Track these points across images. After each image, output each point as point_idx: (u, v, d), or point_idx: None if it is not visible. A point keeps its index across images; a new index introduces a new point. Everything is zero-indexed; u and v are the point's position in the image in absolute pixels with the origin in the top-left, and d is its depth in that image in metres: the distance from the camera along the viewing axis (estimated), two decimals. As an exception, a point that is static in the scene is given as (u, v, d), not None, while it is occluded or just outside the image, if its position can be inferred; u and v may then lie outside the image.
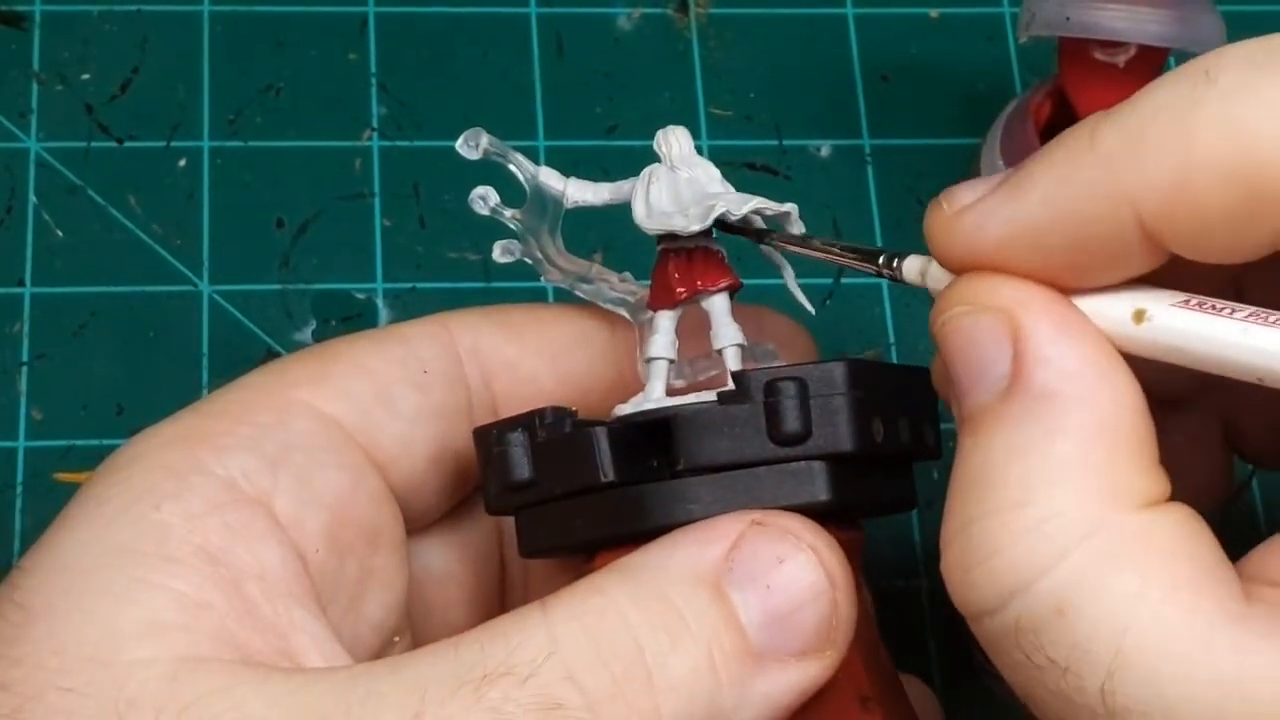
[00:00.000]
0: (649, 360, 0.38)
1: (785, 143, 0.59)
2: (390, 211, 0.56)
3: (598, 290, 0.40)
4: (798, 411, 0.35)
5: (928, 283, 0.36)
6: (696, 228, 0.38)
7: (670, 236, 0.39)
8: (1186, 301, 0.33)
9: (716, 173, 0.39)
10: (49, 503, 0.51)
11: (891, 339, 0.56)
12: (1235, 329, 0.32)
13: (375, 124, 0.58)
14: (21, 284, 0.54)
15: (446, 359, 0.40)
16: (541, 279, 0.41)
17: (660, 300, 0.39)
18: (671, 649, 0.33)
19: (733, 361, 0.37)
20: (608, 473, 0.35)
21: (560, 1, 0.60)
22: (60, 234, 0.55)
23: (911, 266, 0.36)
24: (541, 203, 0.40)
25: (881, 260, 0.37)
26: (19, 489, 0.52)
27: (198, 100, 0.58)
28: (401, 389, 0.39)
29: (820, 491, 0.35)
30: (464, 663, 0.33)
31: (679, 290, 0.38)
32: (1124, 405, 0.33)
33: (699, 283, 0.38)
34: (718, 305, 0.38)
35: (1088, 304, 0.34)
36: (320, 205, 0.56)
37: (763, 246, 0.40)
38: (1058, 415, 0.32)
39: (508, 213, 0.40)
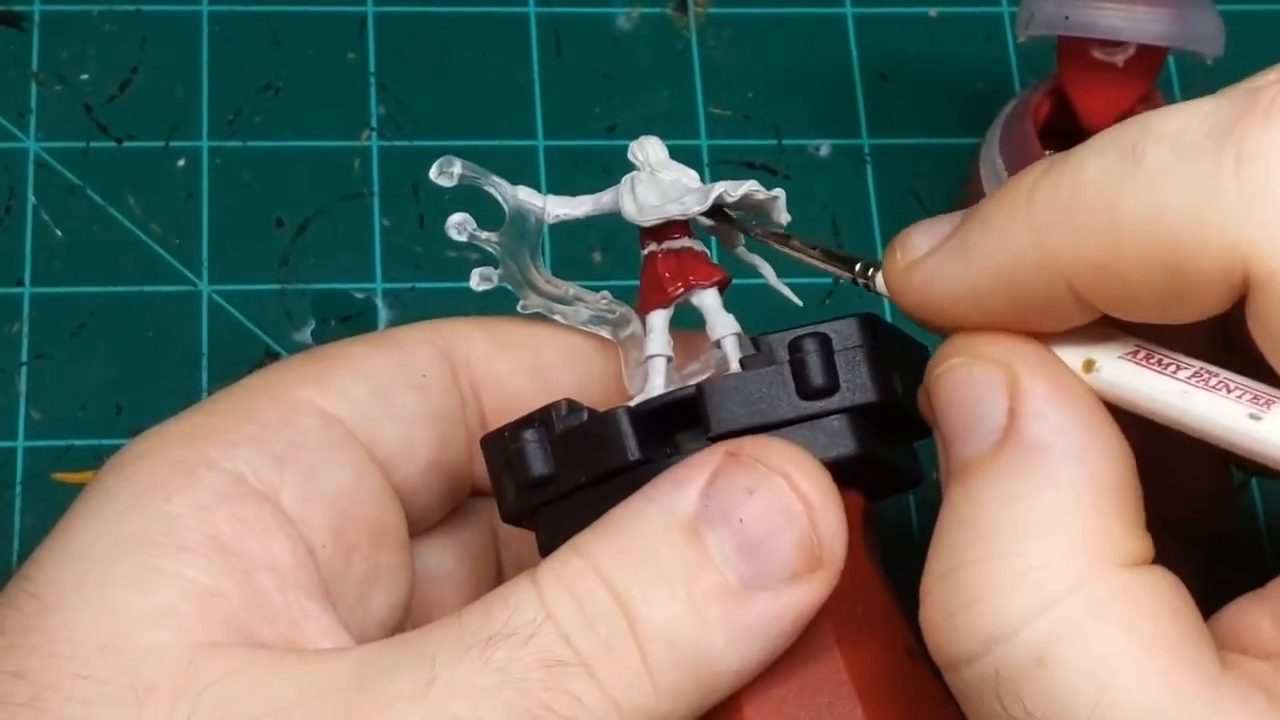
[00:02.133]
0: (649, 358, 0.38)
1: (784, 142, 0.59)
2: (389, 211, 0.56)
3: (575, 313, 0.41)
4: (822, 365, 0.35)
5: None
6: (697, 209, 0.38)
7: (656, 239, 0.39)
8: (1135, 354, 0.34)
9: (695, 174, 0.39)
10: (48, 503, 0.51)
11: (891, 338, 0.56)
12: (1176, 390, 0.33)
13: (374, 124, 0.58)
14: (20, 284, 0.54)
15: (442, 366, 0.40)
16: (519, 306, 0.41)
17: (653, 301, 0.39)
18: (648, 600, 0.34)
19: (733, 350, 0.38)
20: (634, 452, 0.36)
21: (559, 1, 0.60)
22: (59, 234, 0.55)
23: (884, 282, 0.37)
24: (521, 223, 0.40)
25: (858, 268, 0.38)
26: (18, 489, 0.52)
27: (197, 100, 0.58)
28: (401, 392, 0.39)
29: (849, 445, 0.35)
30: (468, 629, 0.34)
31: (672, 289, 0.39)
32: (1115, 464, 0.33)
33: (691, 278, 0.39)
34: (709, 300, 0.39)
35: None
36: (319, 205, 0.56)
37: (738, 249, 0.40)
38: (1050, 468, 0.33)
39: (484, 236, 0.40)
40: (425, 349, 0.40)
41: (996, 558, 0.32)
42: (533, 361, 0.41)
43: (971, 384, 0.34)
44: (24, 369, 0.53)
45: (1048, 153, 0.52)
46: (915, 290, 0.35)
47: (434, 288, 0.55)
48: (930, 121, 0.59)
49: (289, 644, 0.35)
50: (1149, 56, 0.51)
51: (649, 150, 0.39)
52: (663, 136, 0.40)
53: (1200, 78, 0.60)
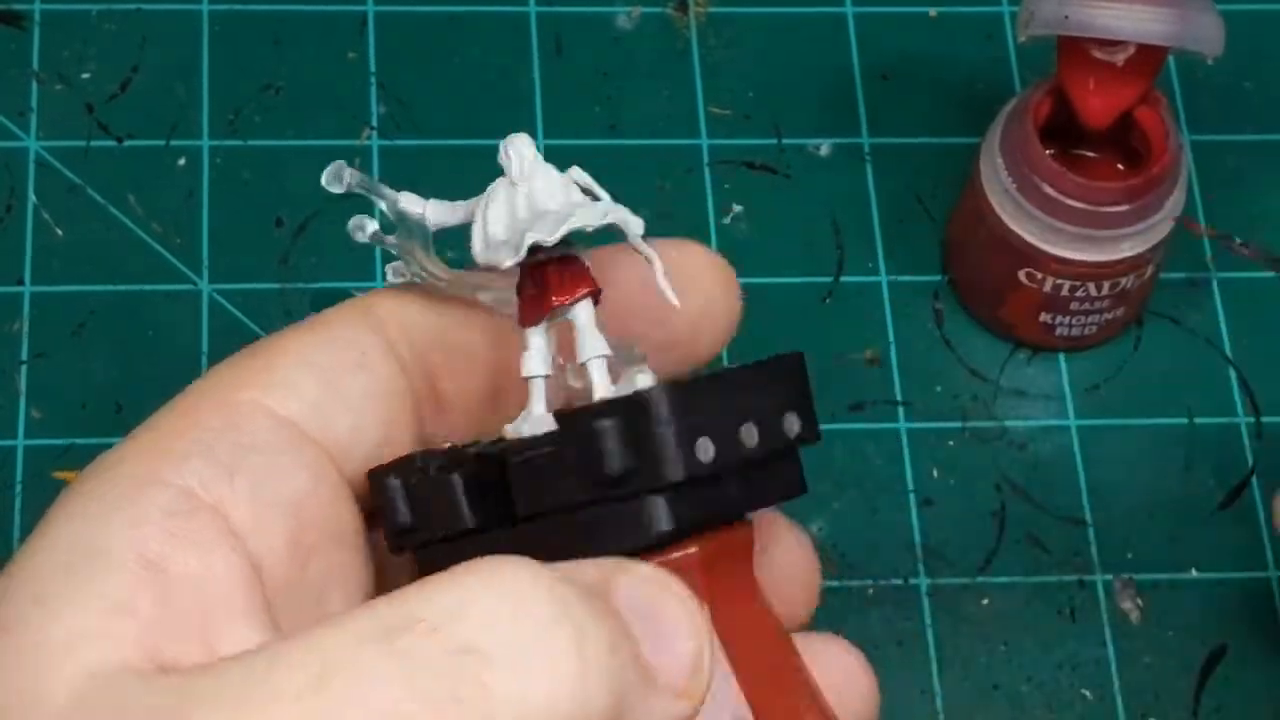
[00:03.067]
0: (526, 379, 0.37)
1: (784, 141, 0.59)
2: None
3: (499, 296, 0.40)
4: (619, 449, 0.34)
5: None
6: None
7: (529, 250, 0.38)
8: None
9: (558, 179, 0.38)
10: (48, 502, 0.51)
11: (891, 339, 0.56)
12: None
13: (374, 123, 0.58)
14: (21, 283, 0.55)
15: (375, 337, 0.40)
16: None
17: (526, 317, 0.38)
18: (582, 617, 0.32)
19: (598, 375, 0.37)
20: (468, 521, 0.36)
21: (560, 0, 0.60)
22: (60, 233, 0.55)
23: None
24: (408, 227, 0.40)
25: None
26: (18, 488, 0.52)
27: (197, 99, 0.58)
28: (348, 376, 0.39)
29: (661, 524, 0.34)
30: (377, 615, 0.33)
31: (543, 305, 0.38)
32: None
33: (554, 298, 0.37)
34: (580, 316, 0.37)
35: None
36: (319, 204, 0.56)
37: (632, 240, 0.39)
38: None
39: (386, 238, 0.40)
40: (358, 324, 0.40)
41: None
42: (469, 314, 0.40)
43: None
44: (24, 368, 0.53)
45: (1048, 152, 0.52)
46: None
47: (434, 287, 0.55)
48: (930, 121, 0.59)
49: (204, 660, 0.34)
50: (1149, 56, 0.51)
51: (513, 154, 0.37)
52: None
53: (1200, 78, 0.61)
